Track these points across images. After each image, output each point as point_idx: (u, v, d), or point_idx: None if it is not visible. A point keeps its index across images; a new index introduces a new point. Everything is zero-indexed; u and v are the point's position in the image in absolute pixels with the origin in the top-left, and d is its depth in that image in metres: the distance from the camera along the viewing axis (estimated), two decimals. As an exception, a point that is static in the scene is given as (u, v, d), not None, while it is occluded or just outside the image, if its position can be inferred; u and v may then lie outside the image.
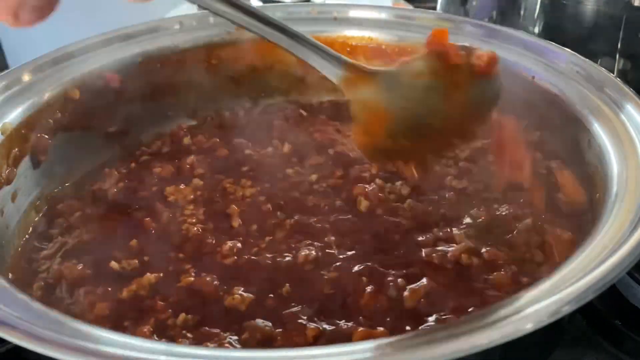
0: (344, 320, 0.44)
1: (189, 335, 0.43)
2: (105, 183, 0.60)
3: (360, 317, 0.44)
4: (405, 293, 0.45)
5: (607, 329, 0.51)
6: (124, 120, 0.66)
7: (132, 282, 0.47)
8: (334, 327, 0.43)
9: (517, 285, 0.46)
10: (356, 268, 0.48)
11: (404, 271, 0.47)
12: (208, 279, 0.47)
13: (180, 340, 0.42)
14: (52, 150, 0.59)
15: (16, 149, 0.55)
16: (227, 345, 0.42)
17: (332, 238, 0.51)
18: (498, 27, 0.68)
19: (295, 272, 0.48)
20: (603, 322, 0.51)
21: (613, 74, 0.57)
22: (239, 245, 0.51)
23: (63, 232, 0.54)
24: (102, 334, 0.35)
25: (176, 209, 0.55)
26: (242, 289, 0.46)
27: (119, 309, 0.45)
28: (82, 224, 0.55)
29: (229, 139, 0.65)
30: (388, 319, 0.44)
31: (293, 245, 0.51)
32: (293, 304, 0.45)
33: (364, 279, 0.47)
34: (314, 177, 0.59)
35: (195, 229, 0.52)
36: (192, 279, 0.47)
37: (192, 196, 0.57)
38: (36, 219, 0.57)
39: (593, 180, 0.50)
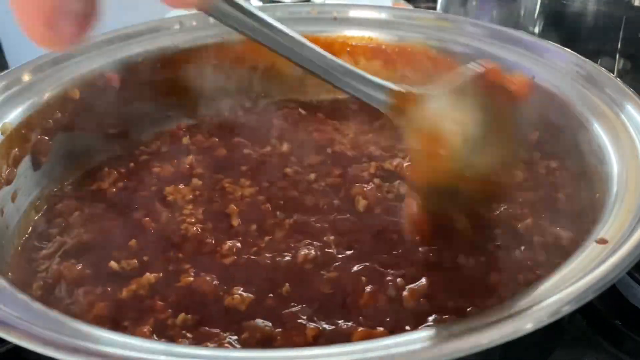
0: (343, 320, 0.44)
1: (188, 335, 0.43)
2: (104, 183, 0.60)
3: (360, 317, 0.44)
4: (405, 293, 0.45)
5: (607, 329, 0.51)
6: (123, 120, 0.66)
7: (132, 282, 0.47)
8: (333, 327, 0.43)
9: (516, 285, 0.46)
10: (355, 268, 0.48)
11: (403, 271, 0.47)
12: (207, 278, 0.47)
13: (179, 340, 0.42)
14: (52, 150, 0.59)
15: (16, 149, 0.55)
16: (226, 345, 0.42)
17: (332, 237, 0.51)
18: (498, 27, 0.68)
19: (295, 271, 0.48)
20: (603, 322, 0.51)
21: (613, 74, 0.57)
22: (239, 245, 0.51)
23: (62, 231, 0.54)
24: (102, 334, 0.35)
25: (175, 208, 0.55)
26: (242, 288, 0.46)
27: (119, 309, 0.45)
28: (81, 223, 0.55)
29: (228, 139, 0.65)
30: (388, 319, 0.44)
31: (292, 245, 0.51)
32: (293, 303, 0.45)
33: (363, 278, 0.47)
34: (312, 176, 0.59)
35: (195, 228, 0.52)
36: (192, 278, 0.47)
37: (191, 196, 0.57)
38: (35, 218, 0.56)
39: (593, 180, 0.50)
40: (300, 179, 0.59)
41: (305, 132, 0.66)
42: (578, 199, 0.52)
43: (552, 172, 0.57)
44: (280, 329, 0.43)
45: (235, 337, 0.43)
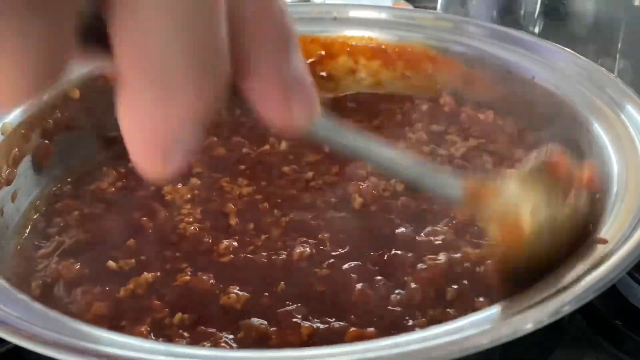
0: (335, 319, 0.44)
1: (185, 334, 0.43)
2: (103, 183, 0.60)
3: (352, 316, 0.44)
4: (396, 291, 0.45)
5: (607, 329, 0.51)
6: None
7: (130, 282, 0.47)
8: (326, 326, 0.43)
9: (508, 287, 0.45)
10: (347, 266, 0.48)
11: (396, 269, 0.47)
12: (204, 277, 0.47)
13: (176, 339, 0.42)
14: (52, 151, 0.59)
15: (16, 149, 0.55)
16: (223, 344, 0.42)
17: (327, 235, 0.51)
18: (498, 27, 0.68)
19: (290, 269, 0.48)
20: (603, 322, 0.51)
21: (613, 74, 0.57)
22: (235, 244, 0.51)
23: (61, 231, 0.54)
24: (102, 334, 0.35)
25: (173, 208, 0.55)
26: (238, 287, 0.46)
27: (116, 308, 0.45)
28: (79, 223, 0.54)
29: (226, 138, 0.65)
30: (377, 318, 0.43)
31: (288, 243, 0.51)
32: (288, 302, 0.45)
33: (354, 276, 0.47)
34: (310, 174, 0.59)
35: (192, 228, 0.52)
36: (188, 277, 0.47)
37: (189, 195, 0.57)
38: (35, 216, 0.56)
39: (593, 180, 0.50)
40: (298, 177, 0.59)
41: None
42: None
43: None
44: (275, 328, 0.43)
45: (232, 336, 0.43)
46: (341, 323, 0.43)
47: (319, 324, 0.43)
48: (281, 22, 0.23)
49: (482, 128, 0.63)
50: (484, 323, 0.34)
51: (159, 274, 0.48)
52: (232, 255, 0.50)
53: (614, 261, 0.37)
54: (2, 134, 0.54)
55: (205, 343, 0.42)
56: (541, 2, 0.79)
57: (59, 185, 0.60)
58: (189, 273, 0.48)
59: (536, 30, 0.80)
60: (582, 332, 0.52)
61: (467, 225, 0.51)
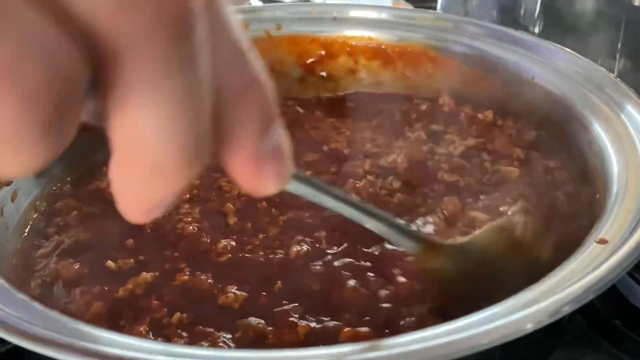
0: (330, 318, 0.44)
1: (184, 334, 0.43)
2: (103, 182, 0.60)
3: (347, 315, 0.44)
4: (390, 288, 0.45)
5: (607, 329, 0.51)
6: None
7: (129, 282, 0.47)
8: (321, 325, 0.43)
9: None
10: (340, 264, 0.48)
11: (390, 267, 0.47)
12: (202, 277, 0.47)
13: (175, 339, 0.42)
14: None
15: (16, 149, 0.55)
16: (221, 344, 0.42)
17: (323, 233, 0.51)
18: (498, 27, 0.68)
19: (287, 268, 0.48)
20: (603, 322, 0.51)
21: (613, 74, 0.57)
22: (233, 243, 0.51)
23: (60, 230, 0.54)
24: (102, 334, 0.35)
25: (172, 208, 0.55)
26: (236, 287, 0.46)
27: (115, 308, 0.45)
28: (79, 222, 0.54)
29: None
30: (371, 317, 0.43)
31: (285, 242, 0.51)
32: (285, 301, 0.45)
33: (348, 274, 0.47)
34: (308, 173, 0.59)
35: (191, 227, 0.52)
36: (187, 277, 0.47)
37: (188, 195, 0.57)
38: (35, 216, 0.56)
39: (593, 180, 0.50)
40: None
41: (302, 130, 0.66)
42: (578, 199, 0.52)
43: (551, 171, 0.57)
44: (272, 328, 0.43)
45: (229, 336, 0.43)
46: (336, 322, 0.43)
47: (315, 324, 0.43)
48: (265, 100, 0.24)
49: (481, 128, 0.63)
50: (484, 323, 0.34)
51: (157, 273, 0.48)
52: (230, 255, 0.50)
53: (614, 261, 0.37)
54: (2, 134, 0.54)
55: (203, 343, 0.42)
56: (541, 2, 0.79)
57: (58, 184, 0.60)
58: (188, 273, 0.48)
59: (536, 30, 0.80)
60: (582, 332, 0.52)
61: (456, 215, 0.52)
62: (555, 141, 0.58)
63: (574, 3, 0.77)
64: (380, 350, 0.33)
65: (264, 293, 0.46)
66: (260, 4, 1.08)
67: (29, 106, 0.18)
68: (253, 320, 0.43)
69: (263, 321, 0.43)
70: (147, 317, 0.44)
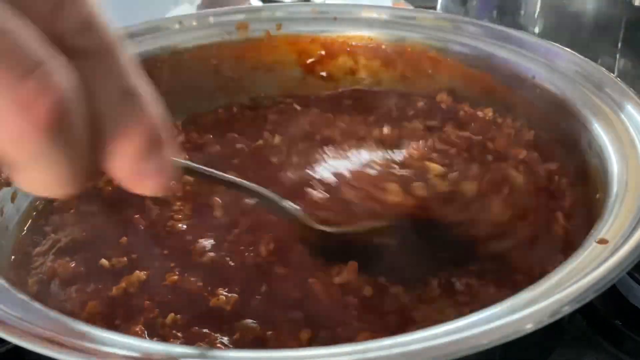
0: (327, 321, 0.43)
1: (179, 335, 0.43)
2: (99, 181, 0.59)
3: (341, 320, 0.43)
4: (388, 290, 0.45)
5: (607, 329, 0.51)
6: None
7: (122, 280, 0.47)
8: (319, 325, 0.43)
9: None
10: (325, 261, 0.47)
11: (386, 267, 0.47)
12: (192, 279, 0.47)
13: (171, 340, 0.42)
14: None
15: (16, 149, 0.55)
16: (219, 345, 0.42)
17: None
18: (498, 27, 0.68)
19: (269, 268, 0.48)
20: (603, 322, 0.51)
21: (613, 74, 0.57)
22: (212, 241, 0.50)
23: (57, 229, 0.54)
24: (102, 334, 0.35)
25: (165, 205, 0.55)
26: (226, 289, 0.46)
27: (110, 307, 0.45)
28: (75, 221, 0.54)
29: (222, 136, 0.65)
30: (367, 321, 0.43)
31: (264, 237, 0.50)
32: (279, 303, 0.45)
33: (336, 271, 0.46)
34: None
35: (180, 225, 0.52)
36: (177, 277, 0.47)
37: (181, 192, 0.57)
38: (34, 214, 0.56)
39: (593, 180, 0.50)
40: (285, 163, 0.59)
41: (297, 126, 0.66)
42: (578, 199, 0.52)
43: (551, 172, 0.57)
44: (271, 331, 0.43)
45: (227, 338, 0.42)
46: (330, 322, 0.43)
47: (311, 326, 0.43)
48: (148, 131, 0.29)
49: (481, 125, 0.63)
50: (484, 323, 0.34)
51: (149, 272, 0.48)
52: (213, 254, 0.49)
53: (614, 261, 0.37)
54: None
55: (200, 344, 0.42)
56: (541, 2, 0.79)
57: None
58: (177, 273, 0.48)
59: (536, 30, 0.80)
60: (582, 332, 0.52)
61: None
62: (554, 141, 0.58)
63: (574, 3, 0.77)
64: (380, 350, 0.33)
65: (258, 297, 0.45)
66: (260, 4, 1.08)
67: None
68: (250, 322, 0.43)
69: (259, 323, 0.43)
70: (141, 316, 0.44)
